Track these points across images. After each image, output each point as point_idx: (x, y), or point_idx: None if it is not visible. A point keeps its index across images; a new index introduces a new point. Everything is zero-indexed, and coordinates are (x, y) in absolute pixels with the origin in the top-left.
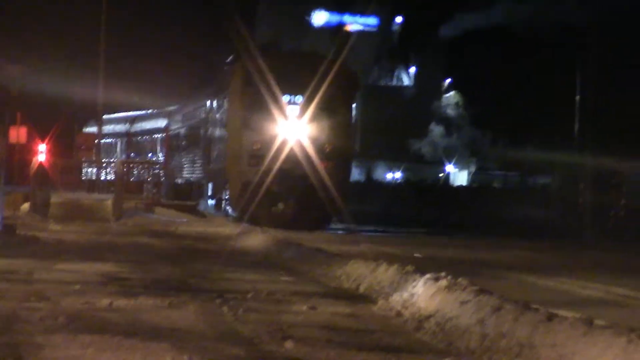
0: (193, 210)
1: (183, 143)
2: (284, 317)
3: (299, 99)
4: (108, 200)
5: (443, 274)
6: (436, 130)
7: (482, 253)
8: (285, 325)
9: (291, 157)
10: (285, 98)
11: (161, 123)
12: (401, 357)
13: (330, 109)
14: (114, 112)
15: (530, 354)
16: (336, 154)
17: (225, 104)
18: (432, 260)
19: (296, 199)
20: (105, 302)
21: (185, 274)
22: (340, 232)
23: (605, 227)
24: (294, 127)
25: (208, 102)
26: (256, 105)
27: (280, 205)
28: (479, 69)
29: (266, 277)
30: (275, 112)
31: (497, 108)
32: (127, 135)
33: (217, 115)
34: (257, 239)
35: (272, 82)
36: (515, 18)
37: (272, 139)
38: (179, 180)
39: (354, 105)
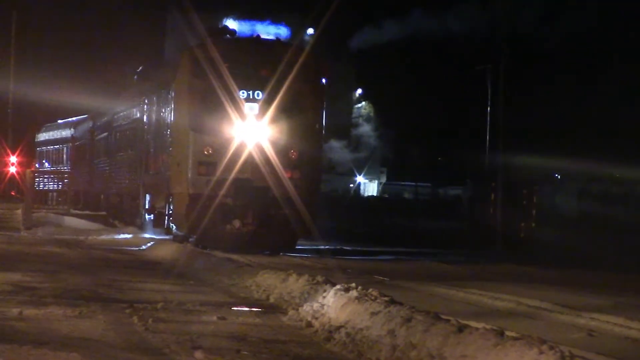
0: (104, 220)
1: (112, 149)
2: (194, 327)
3: (259, 95)
4: (18, 210)
5: (353, 284)
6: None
7: (392, 264)
8: (194, 335)
9: (249, 164)
10: (241, 94)
11: (85, 128)
12: None
13: (296, 108)
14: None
15: None
16: (303, 161)
17: (169, 102)
18: (343, 270)
19: (255, 214)
20: (15, 311)
21: (95, 283)
22: (308, 255)
23: (516, 238)
24: (252, 128)
25: (145, 100)
26: (207, 102)
27: (237, 223)
28: (390, 80)
29: (176, 287)
30: (230, 110)
31: (407, 119)
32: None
33: (158, 115)
34: (168, 249)
35: (226, 75)
36: (426, 32)
37: (226, 143)
38: (109, 191)
39: (324, 104)
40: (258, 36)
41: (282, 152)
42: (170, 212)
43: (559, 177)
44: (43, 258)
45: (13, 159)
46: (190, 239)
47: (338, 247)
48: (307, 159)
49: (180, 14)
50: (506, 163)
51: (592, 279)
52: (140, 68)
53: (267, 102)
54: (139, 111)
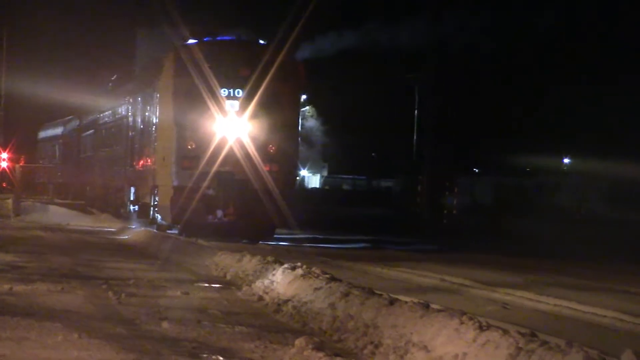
0: (83, 209)
1: (98, 145)
2: (161, 301)
3: (239, 93)
4: (9, 199)
5: (299, 263)
6: None
7: (333, 247)
8: (162, 308)
9: (230, 158)
10: (223, 92)
11: (72, 127)
12: (262, 336)
13: (274, 105)
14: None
15: (375, 334)
16: (281, 155)
17: (154, 100)
18: (289, 252)
19: (236, 205)
20: (5, 287)
21: (75, 263)
22: (285, 243)
23: (440, 223)
24: (233, 124)
25: (130, 100)
26: (190, 99)
27: (218, 213)
28: (332, 86)
29: (146, 266)
30: (212, 107)
31: (347, 121)
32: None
33: (143, 113)
34: (139, 234)
35: (208, 74)
36: (362, 44)
37: (208, 138)
38: (94, 183)
39: (300, 102)
40: (238, 38)
41: (261, 146)
42: (156, 203)
43: (477, 171)
44: (30, 241)
45: (4, 155)
46: (174, 229)
47: (311, 236)
48: (285, 153)
49: (147, 29)
50: (432, 159)
51: (506, 259)
52: (114, 77)
53: (247, 100)
54: (123, 110)
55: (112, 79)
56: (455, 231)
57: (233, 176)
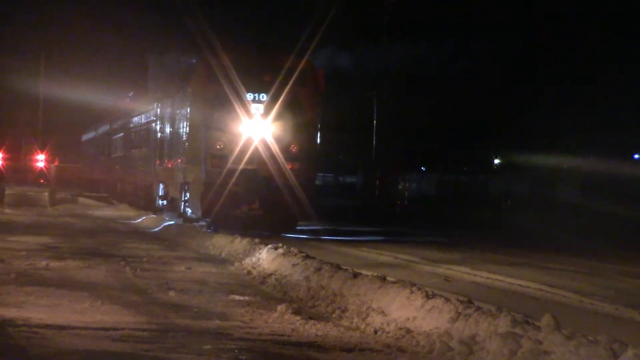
0: (106, 200)
1: (128, 146)
2: (169, 275)
3: (264, 97)
4: (45, 192)
5: (280, 244)
6: None
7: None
8: (169, 280)
9: (256, 157)
10: (248, 96)
11: (104, 130)
12: (251, 303)
13: (296, 108)
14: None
15: (342, 301)
16: (302, 154)
17: (184, 104)
18: (270, 236)
19: (261, 200)
20: (43, 263)
21: (99, 244)
22: (305, 236)
23: (393, 212)
24: (258, 126)
25: (159, 105)
26: (218, 103)
27: (245, 208)
28: None
29: (156, 246)
30: (239, 110)
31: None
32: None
33: (173, 115)
34: (150, 220)
35: (235, 80)
36: (336, 61)
37: (235, 139)
38: (125, 180)
39: (320, 105)
40: (263, 45)
41: (284, 146)
42: (186, 198)
43: (424, 169)
44: (63, 226)
45: (41, 156)
46: (202, 222)
47: (330, 228)
48: (306, 152)
49: (157, 55)
50: (387, 159)
51: (446, 240)
52: (132, 93)
53: (271, 103)
54: (152, 114)
55: (129, 95)
56: (405, 218)
57: (258, 173)
